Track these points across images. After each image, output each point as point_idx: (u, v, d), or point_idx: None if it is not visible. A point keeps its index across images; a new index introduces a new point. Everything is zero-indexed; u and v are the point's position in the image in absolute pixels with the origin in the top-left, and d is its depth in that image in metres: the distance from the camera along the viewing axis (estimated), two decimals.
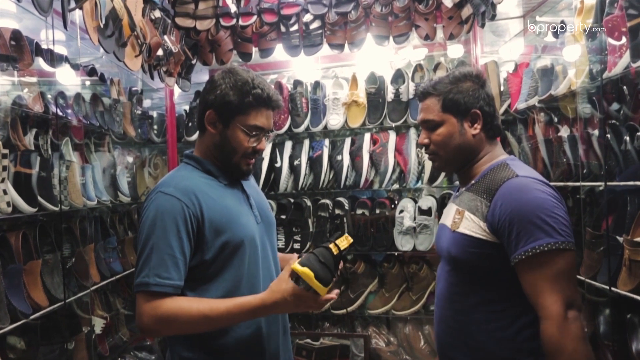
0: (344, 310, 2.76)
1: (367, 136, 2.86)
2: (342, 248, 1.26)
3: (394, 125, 2.83)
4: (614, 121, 1.87)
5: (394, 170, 2.78)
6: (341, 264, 1.32)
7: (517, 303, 1.24)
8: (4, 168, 1.70)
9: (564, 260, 1.15)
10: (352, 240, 1.32)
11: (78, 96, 2.39)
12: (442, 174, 2.74)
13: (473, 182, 1.36)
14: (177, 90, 3.04)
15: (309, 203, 2.92)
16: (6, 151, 1.71)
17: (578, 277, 2.00)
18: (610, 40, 1.78)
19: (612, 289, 1.76)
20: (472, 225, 1.28)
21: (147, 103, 3.28)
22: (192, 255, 1.29)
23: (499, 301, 1.27)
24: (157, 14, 2.30)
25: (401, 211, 2.75)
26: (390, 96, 2.79)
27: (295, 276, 1.20)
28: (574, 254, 1.17)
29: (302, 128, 2.88)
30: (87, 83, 2.60)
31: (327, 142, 2.92)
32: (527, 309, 1.21)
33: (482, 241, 1.25)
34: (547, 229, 1.14)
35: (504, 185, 1.23)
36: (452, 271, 1.37)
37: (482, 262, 1.27)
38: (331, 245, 1.25)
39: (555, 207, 1.17)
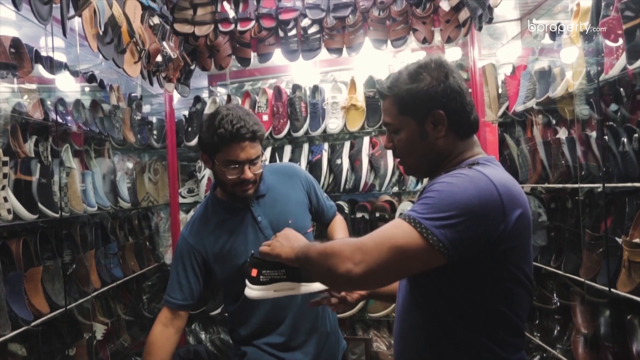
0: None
1: (367, 140, 2.87)
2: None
3: None
4: (611, 123, 1.88)
5: (393, 173, 2.78)
6: None
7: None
8: (5, 175, 1.71)
9: (409, 239, 0.98)
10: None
11: (78, 103, 2.39)
12: None
13: None
14: (176, 96, 3.05)
15: None
16: (6, 158, 1.72)
17: (578, 278, 2.01)
18: (607, 42, 1.79)
19: (612, 290, 1.77)
20: None
21: (146, 109, 3.29)
22: (208, 279, 1.66)
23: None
24: (156, 20, 2.31)
25: (401, 214, 2.75)
26: None
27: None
28: (425, 246, 0.97)
29: (301, 132, 2.89)
30: (87, 89, 2.61)
31: (326, 146, 2.92)
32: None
33: None
34: (427, 209, 0.99)
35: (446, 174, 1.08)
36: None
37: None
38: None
39: (469, 206, 0.97)
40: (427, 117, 1.14)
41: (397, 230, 1.01)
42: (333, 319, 1.78)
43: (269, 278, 1.31)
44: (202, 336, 3.04)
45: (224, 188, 1.60)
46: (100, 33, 1.77)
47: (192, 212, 2.44)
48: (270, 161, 2.91)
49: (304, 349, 1.65)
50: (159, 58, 2.25)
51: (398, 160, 1.27)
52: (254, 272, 1.32)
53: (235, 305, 1.66)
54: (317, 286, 1.33)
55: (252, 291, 1.32)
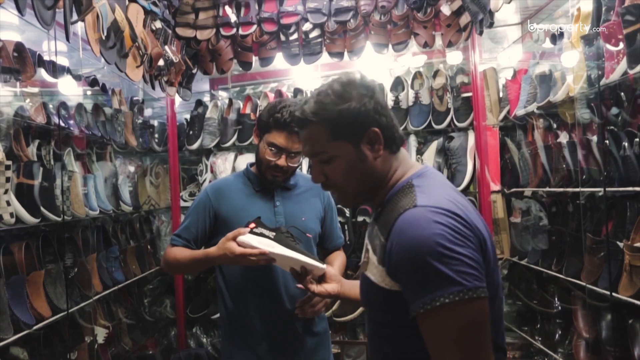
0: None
1: None
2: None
3: None
4: (612, 127, 1.89)
5: None
6: None
7: None
8: (7, 179, 1.71)
9: (468, 312, 0.89)
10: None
11: (80, 106, 2.40)
12: None
13: (380, 209, 1.10)
14: (178, 100, 3.05)
15: None
16: (9, 162, 1.73)
17: (579, 282, 2.01)
18: (608, 47, 1.80)
19: (613, 294, 1.77)
20: (374, 270, 1.03)
21: (148, 112, 3.29)
22: (214, 234, 1.76)
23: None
24: (158, 24, 2.32)
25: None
26: (389, 103, 2.80)
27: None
28: (481, 302, 0.89)
29: None
30: (89, 93, 2.62)
31: None
32: None
33: (384, 290, 1.00)
34: (442, 278, 0.88)
35: (399, 219, 0.96)
36: (367, 317, 1.15)
37: (388, 314, 1.03)
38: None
39: (455, 244, 0.90)
40: (363, 138, 1.05)
41: (452, 321, 0.89)
42: (323, 328, 1.82)
43: (260, 232, 1.52)
44: (204, 340, 3.04)
45: (259, 165, 1.75)
46: (103, 37, 1.78)
47: None
48: None
49: (290, 357, 1.73)
50: (161, 62, 2.26)
51: (331, 191, 1.16)
52: (252, 225, 1.53)
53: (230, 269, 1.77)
54: (291, 254, 1.45)
55: (241, 236, 1.51)
